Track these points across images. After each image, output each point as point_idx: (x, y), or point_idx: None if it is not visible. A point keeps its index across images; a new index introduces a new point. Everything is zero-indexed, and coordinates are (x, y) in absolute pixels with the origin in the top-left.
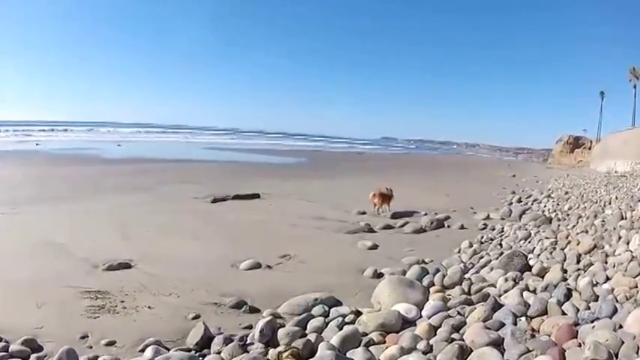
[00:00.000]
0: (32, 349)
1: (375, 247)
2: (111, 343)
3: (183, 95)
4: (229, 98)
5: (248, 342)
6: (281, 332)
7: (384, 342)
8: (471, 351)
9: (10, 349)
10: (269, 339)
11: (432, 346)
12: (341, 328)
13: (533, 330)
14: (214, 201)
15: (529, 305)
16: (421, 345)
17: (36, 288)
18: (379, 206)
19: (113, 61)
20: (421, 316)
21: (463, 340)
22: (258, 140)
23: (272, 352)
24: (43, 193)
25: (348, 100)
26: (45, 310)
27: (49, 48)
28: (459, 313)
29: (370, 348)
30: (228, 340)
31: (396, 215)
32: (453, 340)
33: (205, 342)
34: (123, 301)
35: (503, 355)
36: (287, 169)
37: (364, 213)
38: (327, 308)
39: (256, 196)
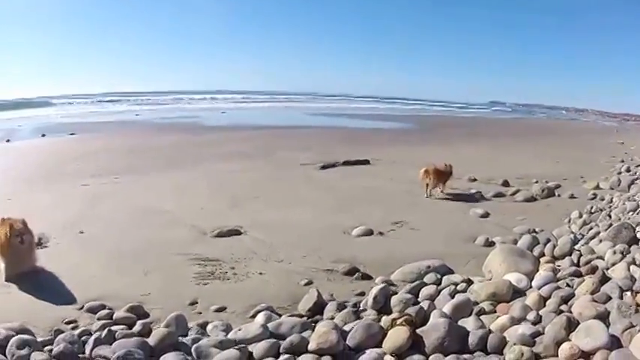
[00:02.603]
0: (138, 316)
1: (486, 215)
2: (221, 309)
3: (287, 61)
4: (332, 63)
5: (361, 308)
6: (394, 299)
7: (495, 311)
8: (578, 323)
9: (114, 317)
10: (382, 306)
11: (541, 317)
12: (453, 297)
13: (637, 305)
14: (324, 167)
15: (635, 279)
16: (531, 316)
17: (143, 255)
18: (432, 186)
19: (211, 28)
20: (531, 287)
21: (571, 312)
22: (363, 105)
23: (385, 319)
24: (147, 162)
25: (457, 64)
26: (152, 278)
27: (148, 19)
28: (567, 284)
29: (481, 317)
30: (341, 307)
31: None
32: (561, 311)
33: (318, 308)
34: (233, 268)
35: (608, 328)
36: (395, 135)
37: (475, 180)
38: (439, 276)
39: (366, 162)
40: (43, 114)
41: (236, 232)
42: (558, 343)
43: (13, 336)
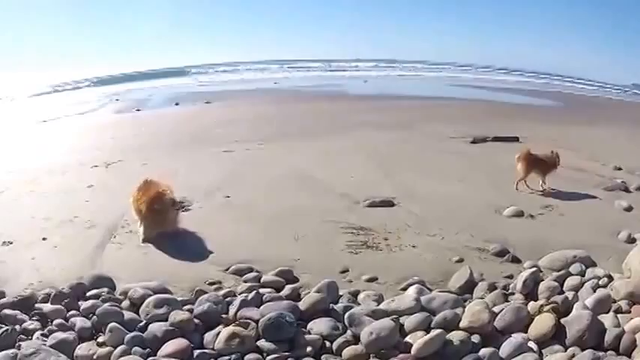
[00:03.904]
0: (287, 280)
1: (630, 208)
2: (372, 279)
3: (424, 27)
4: (461, 31)
5: (509, 291)
6: (542, 286)
7: (630, 312)
8: None
9: (262, 280)
10: (529, 291)
11: None
12: (594, 291)
13: None
14: (474, 142)
15: None
16: None
17: (292, 221)
18: (522, 176)
19: None
20: None
21: None
22: (503, 77)
23: (533, 304)
24: (291, 129)
25: (603, 39)
26: (303, 243)
27: None
28: None
29: (618, 316)
30: (492, 287)
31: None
32: None
33: (468, 287)
34: (386, 239)
35: None
36: (542, 112)
37: (620, 169)
38: (583, 267)
39: (515, 139)
40: (178, 83)
41: (389, 203)
42: None
43: (150, 295)
